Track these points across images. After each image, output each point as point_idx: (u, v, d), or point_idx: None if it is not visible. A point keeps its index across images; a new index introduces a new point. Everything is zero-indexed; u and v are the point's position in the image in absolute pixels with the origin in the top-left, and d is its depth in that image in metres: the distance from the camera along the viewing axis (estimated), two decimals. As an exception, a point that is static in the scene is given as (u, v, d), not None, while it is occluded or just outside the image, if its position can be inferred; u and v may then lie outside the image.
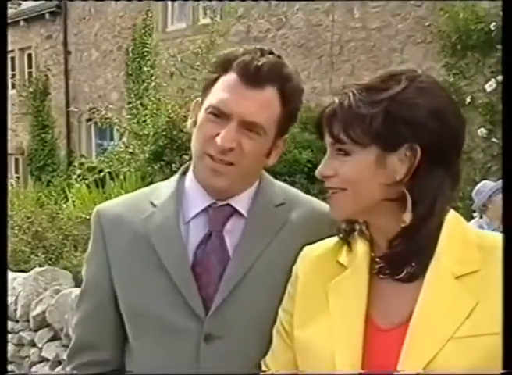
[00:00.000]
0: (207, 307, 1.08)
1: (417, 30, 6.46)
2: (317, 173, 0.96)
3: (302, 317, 0.99)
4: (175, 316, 1.08)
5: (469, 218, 5.29)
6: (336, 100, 0.94)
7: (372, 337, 0.92)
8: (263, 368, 1.06)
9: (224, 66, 1.09)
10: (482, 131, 5.71)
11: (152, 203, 1.16)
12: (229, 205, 1.13)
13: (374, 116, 0.90)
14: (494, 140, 5.70)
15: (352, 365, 0.90)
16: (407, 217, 0.91)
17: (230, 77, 1.08)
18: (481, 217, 4.45)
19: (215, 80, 1.10)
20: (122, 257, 1.14)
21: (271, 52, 1.09)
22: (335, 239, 1.03)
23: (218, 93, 1.08)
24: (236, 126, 1.05)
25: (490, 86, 5.56)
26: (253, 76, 1.06)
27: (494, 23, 5.58)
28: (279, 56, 1.10)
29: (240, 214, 1.13)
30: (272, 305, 1.06)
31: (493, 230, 3.64)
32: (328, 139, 0.95)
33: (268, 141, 1.10)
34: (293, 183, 5.99)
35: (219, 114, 1.07)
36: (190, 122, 1.16)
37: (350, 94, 0.93)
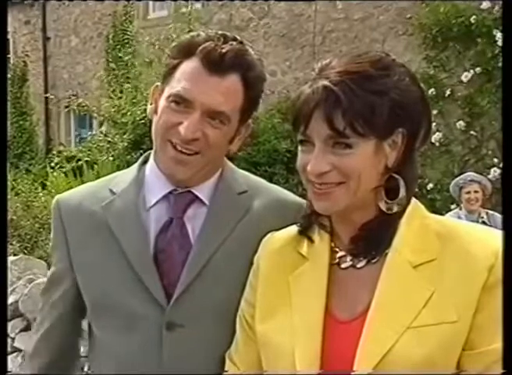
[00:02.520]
0: (169, 294, 1.07)
1: (399, 22, 6.47)
2: (311, 170, 0.89)
3: (263, 310, 0.98)
4: (136, 303, 1.07)
5: (447, 209, 5.35)
6: (333, 87, 0.86)
7: (332, 331, 0.91)
8: (227, 361, 1.04)
9: (186, 52, 1.06)
10: (461, 124, 5.76)
11: (112, 191, 1.15)
12: (190, 191, 1.12)
13: (379, 106, 0.86)
14: (472, 132, 5.75)
15: (311, 360, 0.89)
16: (402, 202, 0.90)
17: (193, 64, 1.05)
18: (460, 209, 4.50)
19: (177, 66, 1.07)
20: (82, 246, 1.13)
21: (234, 39, 1.07)
22: (295, 229, 1.02)
23: (181, 81, 1.05)
24: (200, 116, 1.04)
25: (466, 77, 5.61)
26: (216, 64, 1.03)
27: (474, 17, 5.62)
28: (241, 42, 1.07)
29: (202, 201, 1.12)
30: (235, 292, 1.05)
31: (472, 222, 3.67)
32: (322, 131, 0.87)
33: (232, 128, 1.08)
34: (272, 174, 6.03)
35: (182, 102, 1.05)
36: (149, 108, 1.14)
37: (349, 82, 0.86)
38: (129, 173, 1.18)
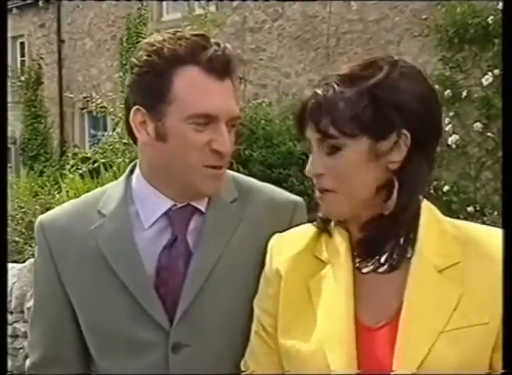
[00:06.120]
0: (173, 314, 1.03)
1: (415, 23, 6.44)
2: (307, 172, 0.92)
3: (287, 322, 0.96)
4: (138, 329, 1.04)
5: (463, 212, 5.31)
6: (319, 92, 0.90)
7: (362, 337, 0.90)
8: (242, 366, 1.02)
9: (175, 62, 0.98)
10: (478, 125, 5.71)
11: (100, 212, 1.08)
12: (189, 204, 1.07)
13: (363, 105, 0.87)
14: (489, 134, 5.70)
15: (348, 367, 0.88)
16: (392, 204, 0.90)
17: (197, 75, 0.98)
18: None
19: (167, 83, 0.98)
20: (73, 273, 1.08)
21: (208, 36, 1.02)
22: (308, 231, 1.00)
23: (198, 98, 0.97)
24: (225, 126, 1.00)
25: (486, 80, 5.56)
26: (223, 68, 1.00)
27: (491, 17, 5.57)
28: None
29: (201, 212, 1.08)
30: (237, 304, 1.02)
31: None
32: (313, 135, 0.91)
33: None
34: (287, 176, 6.01)
35: (206, 120, 0.98)
36: (142, 137, 1.02)
37: (334, 84, 0.89)
38: (116, 189, 1.10)
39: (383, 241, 0.92)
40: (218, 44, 1.01)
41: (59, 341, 1.12)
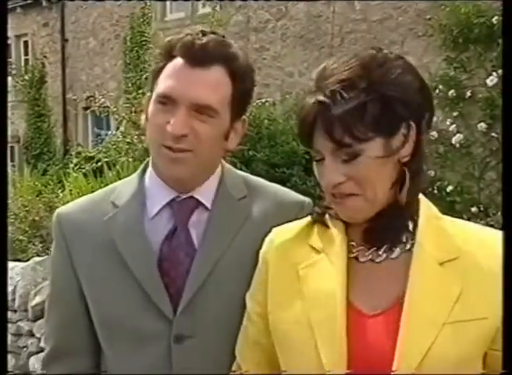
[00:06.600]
0: (176, 304, 1.05)
1: (419, 23, 6.43)
2: (327, 183, 0.91)
3: (275, 305, 0.96)
4: (145, 319, 1.05)
5: (467, 212, 5.30)
6: (326, 100, 0.87)
7: (356, 323, 0.89)
8: (234, 367, 1.03)
9: (168, 53, 1.05)
10: (482, 126, 5.70)
11: (114, 203, 1.11)
12: (192, 197, 1.09)
13: (371, 107, 0.87)
14: (494, 134, 5.69)
15: (338, 352, 0.88)
16: (404, 195, 0.91)
17: (175, 62, 1.04)
18: None
19: (161, 69, 1.05)
20: (87, 263, 1.10)
21: (213, 33, 1.05)
22: (304, 222, 1.01)
23: (165, 80, 1.03)
24: (186, 111, 1.01)
25: (491, 81, 5.54)
26: (198, 56, 1.01)
27: (496, 17, 5.56)
28: (223, 36, 1.06)
29: (205, 207, 1.10)
30: (240, 299, 1.03)
31: None
32: (327, 145, 0.89)
33: (224, 123, 1.05)
34: (290, 175, 6.01)
35: (168, 102, 1.02)
36: (143, 118, 1.10)
37: (340, 91, 0.87)
38: (130, 184, 1.14)
39: (385, 231, 0.92)
40: (203, 34, 1.03)
41: (72, 333, 1.14)
